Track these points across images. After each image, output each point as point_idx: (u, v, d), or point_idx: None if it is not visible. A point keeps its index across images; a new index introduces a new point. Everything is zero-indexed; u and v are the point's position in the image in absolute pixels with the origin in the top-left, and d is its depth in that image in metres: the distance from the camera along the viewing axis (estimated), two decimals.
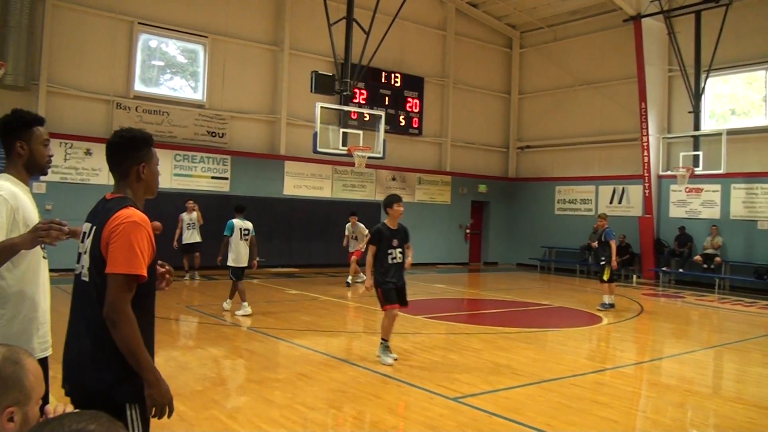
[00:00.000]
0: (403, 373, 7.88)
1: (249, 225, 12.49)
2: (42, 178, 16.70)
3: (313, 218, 21.79)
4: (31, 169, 3.45)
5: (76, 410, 1.92)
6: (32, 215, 3.36)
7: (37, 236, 2.96)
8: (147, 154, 3.17)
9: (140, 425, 2.93)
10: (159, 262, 3.16)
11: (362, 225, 17.75)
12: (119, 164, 3.12)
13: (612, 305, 14.35)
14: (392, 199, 9.14)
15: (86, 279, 2.97)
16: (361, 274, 16.45)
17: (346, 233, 18.00)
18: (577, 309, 14.83)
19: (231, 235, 12.25)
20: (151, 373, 2.87)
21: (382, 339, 8.62)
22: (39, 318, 3.40)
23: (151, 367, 2.89)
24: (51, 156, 3.52)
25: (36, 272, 3.40)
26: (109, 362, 2.87)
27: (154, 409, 2.89)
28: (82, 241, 3.07)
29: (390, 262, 8.86)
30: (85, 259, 2.98)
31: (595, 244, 15.67)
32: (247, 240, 12.36)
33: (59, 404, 2.16)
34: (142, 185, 3.16)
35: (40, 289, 3.44)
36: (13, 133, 3.38)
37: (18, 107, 3.49)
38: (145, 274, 2.90)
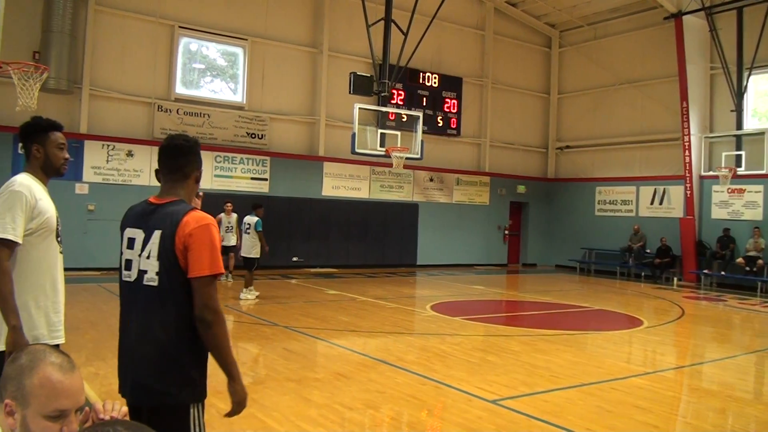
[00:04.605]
0: (440, 374, 7.88)
1: (251, 220, 14.29)
2: (84, 179, 17.30)
3: (351, 219, 21.90)
4: (47, 171, 3.70)
5: (126, 420, 1.93)
6: (52, 209, 3.60)
7: (16, 347, 3.19)
8: (201, 159, 3.29)
9: (202, 424, 3.05)
10: None
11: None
12: (182, 167, 3.19)
13: None
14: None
15: (154, 284, 2.99)
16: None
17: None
18: (617, 312, 14.66)
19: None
20: (236, 369, 3.03)
21: None
22: (50, 307, 3.55)
23: (236, 363, 3.04)
24: (66, 159, 3.76)
25: (50, 265, 3.59)
26: (178, 365, 2.98)
27: (236, 404, 3.05)
28: (130, 248, 3.11)
29: None
30: (151, 264, 3.01)
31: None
32: (248, 233, 14.27)
33: (107, 402, 2.18)
34: (195, 188, 3.26)
35: (52, 280, 3.62)
36: (30, 138, 3.65)
37: (48, 112, 3.70)
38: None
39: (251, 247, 14.10)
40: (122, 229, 3.20)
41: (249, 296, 13.83)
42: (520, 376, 7.95)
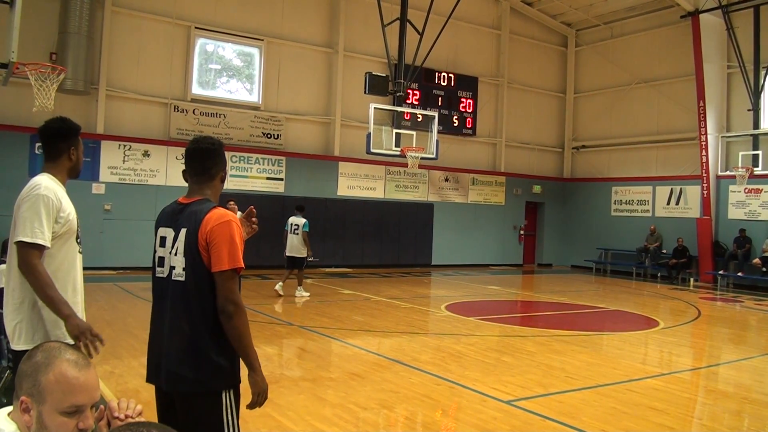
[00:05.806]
0: (455, 374, 7.88)
1: (298, 221, 14.60)
2: (101, 179, 17.43)
3: (366, 219, 21.91)
4: (73, 173, 3.76)
5: (157, 423, 1.94)
6: (72, 211, 3.65)
7: (79, 340, 3.31)
8: (225, 159, 3.46)
9: (234, 409, 3.17)
10: None
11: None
12: (208, 169, 3.35)
13: None
14: None
15: (182, 279, 3.14)
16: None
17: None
18: (633, 312, 14.58)
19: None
20: (256, 360, 3.16)
21: None
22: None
23: (256, 354, 3.17)
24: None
25: (70, 266, 3.64)
26: (205, 354, 3.08)
27: (257, 395, 3.18)
28: (162, 246, 3.26)
29: None
30: (178, 261, 3.16)
31: None
32: (296, 234, 14.53)
33: (122, 400, 2.21)
34: (220, 187, 3.42)
35: (73, 281, 3.67)
36: (67, 140, 3.69)
37: (65, 113, 3.70)
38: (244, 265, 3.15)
39: (298, 247, 14.47)
40: (156, 228, 3.36)
41: (304, 294, 14.47)
42: (535, 376, 7.93)
